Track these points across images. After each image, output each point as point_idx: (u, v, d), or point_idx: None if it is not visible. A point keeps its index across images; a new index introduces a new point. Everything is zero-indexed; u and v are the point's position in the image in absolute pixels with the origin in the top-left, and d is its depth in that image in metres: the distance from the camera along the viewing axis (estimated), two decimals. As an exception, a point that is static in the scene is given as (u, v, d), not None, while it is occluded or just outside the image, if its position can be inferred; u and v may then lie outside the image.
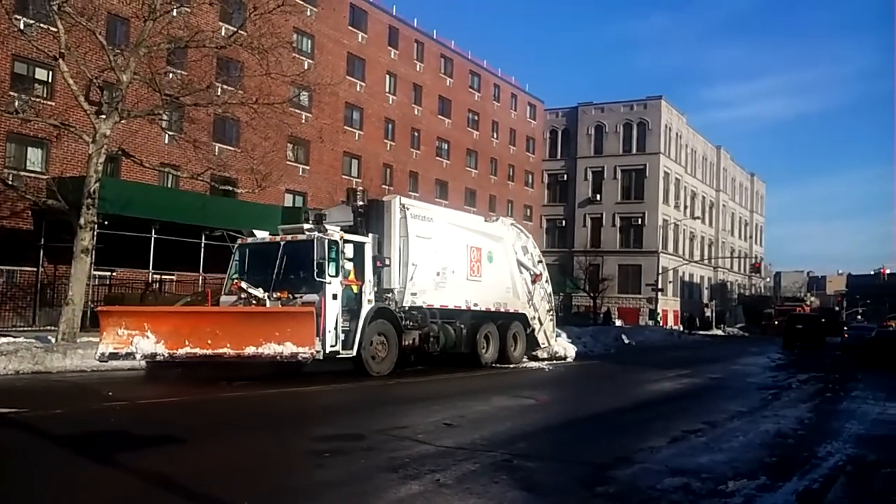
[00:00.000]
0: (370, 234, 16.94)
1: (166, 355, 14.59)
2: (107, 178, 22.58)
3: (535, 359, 22.57)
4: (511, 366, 20.60)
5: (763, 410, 13.43)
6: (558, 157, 72.83)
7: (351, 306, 15.81)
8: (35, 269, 27.17)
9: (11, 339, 17.73)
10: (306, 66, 35.75)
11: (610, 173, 70.16)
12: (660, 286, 61.42)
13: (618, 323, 55.27)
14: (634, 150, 69.47)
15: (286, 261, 15.74)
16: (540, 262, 23.56)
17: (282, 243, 16.04)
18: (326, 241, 15.35)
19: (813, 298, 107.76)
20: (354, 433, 9.40)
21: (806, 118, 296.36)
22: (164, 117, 22.56)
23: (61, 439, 8.44)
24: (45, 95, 27.07)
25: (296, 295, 15.24)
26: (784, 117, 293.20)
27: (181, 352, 14.50)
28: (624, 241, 69.39)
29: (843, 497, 7.11)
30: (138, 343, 14.54)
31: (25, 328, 24.53)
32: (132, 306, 17.42)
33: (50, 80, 27.39)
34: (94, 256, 19.97)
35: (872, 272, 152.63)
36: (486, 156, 57.30)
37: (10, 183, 21.88)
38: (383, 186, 42.16)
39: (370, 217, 17.48)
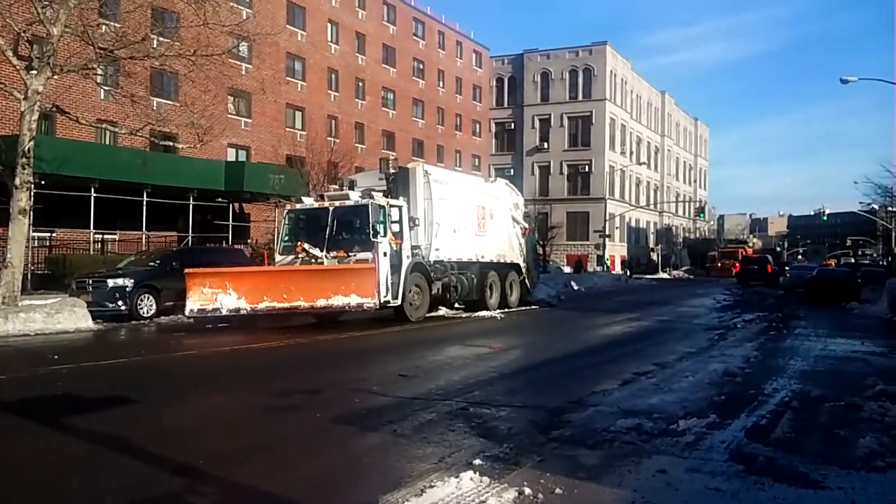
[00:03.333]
0: (400, 198, 18.80)
1: (248, 309, 16.69)
2: (42, 136, 21.84)
3: (526, 303, 24.45)
4: (496, 312, 21.66)
5: (710, 350, 13.73)
6: (505, 105, 72.67)
7: (394, 262, 17.72)
8: (-31, 232, 26.25)
9: (-52, 305, 17.19)
10: (245, 16, 34.70)
11: (557, 121, 70.29)
12: (607, 232, 62.15)
13: (566, 270, 55.89)
14: (580, 97, 69.59)
15: (336, 224, 17.86)
16: (527, 216, 26.24)
17: (331, 208, 18.03)
18: (378, 205, 17.65)
19: (755, 240, 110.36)
20: (318, 386, 9.36)
21: (744, 62, 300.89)
22: (99, 72, 21.78)
23: (8, 405, 8.23)
24: (-31, 50, 25.81)
25: (349, 253, 17.46)
26: (722, 62, 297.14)
27: (261, 306, 16.64)
28: (571, 189, 69.90)
29: (789, 432, 7.30)
30: (222, 299, 16.67)
31: (-37, 293, 23.75)
32: (215, 268, 18.98)
33: (-26, 35, 26.11)
34: (32, 217, 19.33)
35: (812, 213, 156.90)
36: (433, 105, 56.72)
37: (-63, 143, 20.95)
38: (328, 139, 41.46)
39: (398, 182, 19.37)
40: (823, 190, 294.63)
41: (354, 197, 18.26)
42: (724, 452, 6.42)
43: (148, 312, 19.07)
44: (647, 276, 60.40)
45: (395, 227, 18.01)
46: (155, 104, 29.96)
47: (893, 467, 6.10)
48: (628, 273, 58.38)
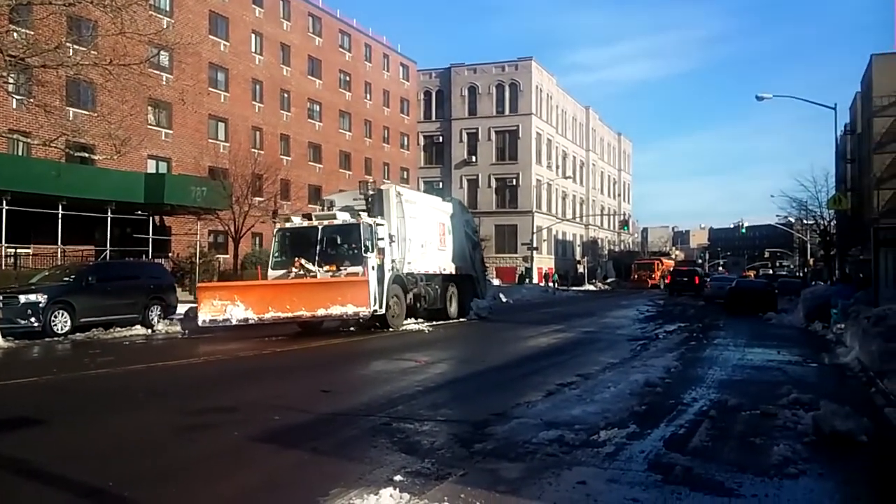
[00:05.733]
0: (379, 217, 20.49)
1: (256, 319, 18.15)
2: (-53, 145, 20.90)
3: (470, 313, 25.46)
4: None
5: (632, 361, 13.93)
6: (433, 118, 72.82)
7: (379, 275, 19.47)
8: None
9: None
10: (165, 25, 33.95)
11: (484, 135, 70.79)
12: (535, 245, 62.81)
13: (495, 282, 56.24)
14: (507, 112, 70.25)
15: (326, 241, 19.59)
16: (476, 232, 28.56)
17: (319, 227, 19.79)
18: (367, 224, 19.49)
19: (678, 252, 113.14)
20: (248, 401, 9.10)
21: (664, 81, 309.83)
22: (10, 80, 20.90)
23: None
24: None
25: (340, 268, 19.22)
26: (643, 80, 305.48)
27: (267, 315, 18.13)
28: (500, 202, 70.42)
29: (706, 441, 7.41)
30: (231, 310, 18.09)
31: None
32: (223, 282, 20.96)
33: None
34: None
35: (732, 226, 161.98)
36: (360, 118, 56.48)
37: None
38: (253, 150, 40.84)
39: (375, 202, 21.18)
40: (742, 204, 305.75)
41: (342, 217, 19.99)
42: (643, 462, 6.48)
43: (62, 329, 18.37)
44: (574, 288, 61.23)
45: (380, 244, 19.66)
46: (71, 114, 29.07)
47: (805, 474, 6.25)
48: (555, 285, 59.06)
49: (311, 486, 5.81)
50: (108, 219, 29.29)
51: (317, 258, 19.42)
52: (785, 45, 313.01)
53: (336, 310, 18.12)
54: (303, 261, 19.24)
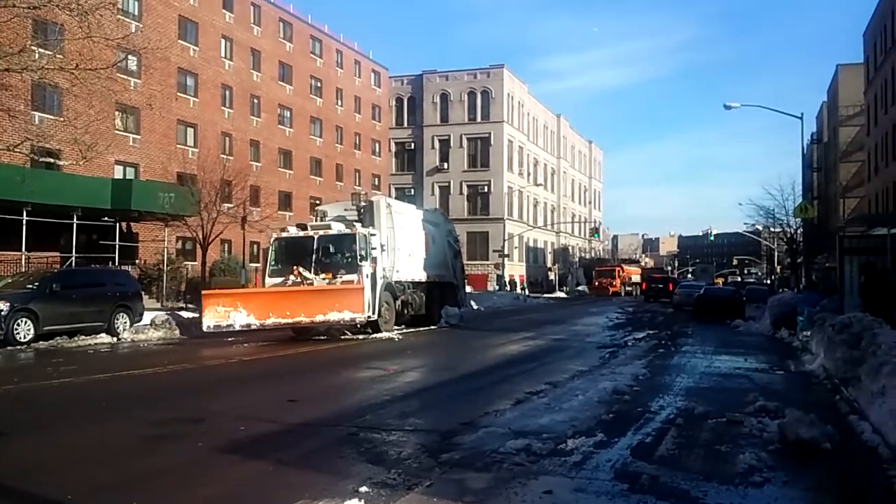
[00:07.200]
0: (371, 227, 21.17)
1: (257, 325, 18.87)
2: None
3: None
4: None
5: (601, 369, 13.97)
6: (405, 125, 72.85)
7: (372, 282, 20.24)
8: None
9: None
10: (133, 29, 33.59)
11: (456, 141, 70.92)
12: (506, 252, 62.95)
13: (468, 289, 56.21)
14: (479, 119, 70.50)
15: (321, 250, 20.48)
16: (457, 241, 29.66)
17: (315, 236, 20.70)
18: (362, 234, 20.38)
19: (647, 259, 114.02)
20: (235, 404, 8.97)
21: (633, 88, 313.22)
22: (-28, 83, 20.58)
23: None
24: None
25: (336, 276, 20.05)
26: (613, 87, 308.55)
27: (268, 321, 18.82)
28: (471, 209, 70.58)
29: (673, 449, 7.43)
30: (234, 316, 18.71)
31: None
32: (226, 289, 21.79)
33: None
34: None
35: (701, 233, 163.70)
36: (331, 124, 56.19)
37: None
38: (222, 156, 40.39)
39: (366, 213, 21.94)
40: (711, 211, 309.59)
41: (337, 227, 20.95)
42: (610, 471, 6.48)
43: (25, 337, 18.01)
44: (545, 295, 61.42)
45: (374, 253, 20.50)
46: (36, 118, 28.63)
47: (770, 482, 6.29)
48: (525, 292, 59.18)
49: (275, 498, 5.76)
50: (74, 225, 28.79)
51: (313, 266, 20.20)
52: (753, 53, 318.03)
53: (333, 316, 18.87)
54: (300, 269, 20.01)
